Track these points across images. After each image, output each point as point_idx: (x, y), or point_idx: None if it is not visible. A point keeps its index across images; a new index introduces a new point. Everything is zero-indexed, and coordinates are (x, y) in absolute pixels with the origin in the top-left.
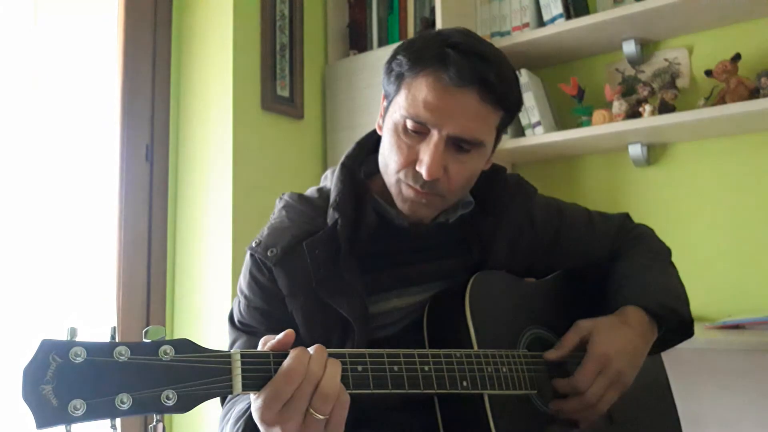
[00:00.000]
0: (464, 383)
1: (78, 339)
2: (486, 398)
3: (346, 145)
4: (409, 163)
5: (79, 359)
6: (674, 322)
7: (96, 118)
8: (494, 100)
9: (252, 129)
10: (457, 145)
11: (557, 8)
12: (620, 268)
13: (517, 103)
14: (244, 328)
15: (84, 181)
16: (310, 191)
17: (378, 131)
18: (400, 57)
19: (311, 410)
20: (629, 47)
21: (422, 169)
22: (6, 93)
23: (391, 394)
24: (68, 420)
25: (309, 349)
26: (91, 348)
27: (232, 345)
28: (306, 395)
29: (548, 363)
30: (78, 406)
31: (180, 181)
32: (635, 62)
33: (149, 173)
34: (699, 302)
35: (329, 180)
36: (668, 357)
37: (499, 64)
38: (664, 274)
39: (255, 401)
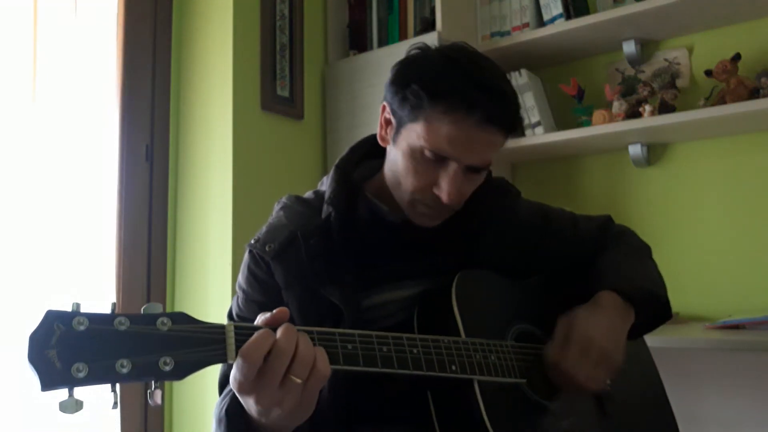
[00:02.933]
0: (453, 367)
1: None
2: (476, 384)
3: (346, 145)
4: (426, 186)
5: (82, 327)
6: (649, 303)
7: (96, 118)
8: (508, 132)
9: (252, 129)
10: (472, 170)
11: (557, 8)
12: (598, 263)
13: (519, 128)
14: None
15: (84, 181)
16: (308, 194)
17: (380, 142)
18: (416, 87)
19: (291, 376)
20: (629, 47)
21: (442, 195)
22: (5, 93)
23: (381, 373)
24: (71, 382)
25: (278, 330)
26: (93, 318)
27: None
28: (278, 369)
29: (539, 354)
30: (80, 368)
31: (180, 181)
32: (635, 62)
33: (149, 173)
34: (699, 302)
35: (325, 185)
36: (669, 357)
37: (515, 100)
38: (639, 262)
39: (231, 375)
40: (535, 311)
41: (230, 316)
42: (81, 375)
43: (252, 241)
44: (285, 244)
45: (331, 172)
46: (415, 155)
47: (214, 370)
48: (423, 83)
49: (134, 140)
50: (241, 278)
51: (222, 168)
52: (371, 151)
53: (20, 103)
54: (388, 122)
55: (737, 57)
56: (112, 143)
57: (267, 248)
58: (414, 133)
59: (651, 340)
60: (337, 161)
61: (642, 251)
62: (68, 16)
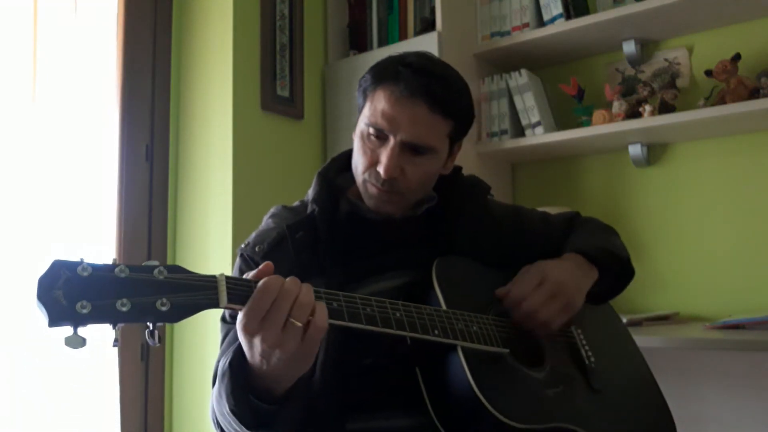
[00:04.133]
0: (435, 332)
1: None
2: (460, 350)
3: (345, 145)
4: (372, 164)
5: (86, 273)
6: (611, 263)
7: (96, 118)
8: (441, 110)
9: (252, 129)
10: (412, 149)
11: (557, 8)
12: (567, 241)
13: (467, 114)
14: (234, 321)
15: (84, 181)
16: (294, 203)
17: (354, 140)
18: (366, 75)
19: (291, 319)
20: (629, 47)
21: (381, 169)
22: (6, 93)
23: (365, 330)
24: (76, 318)
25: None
26: (96, 266)
27: (223, 339)
28: (283, 308)
29: (515, 324)
30: (84, 305)
31: (180, 181)
32: (635, 62)
33: (149, 173)
34: (699, 302)
35: (310, 195)
36: (669, 357)
37: (446, 79)
38: (600, 235)
39: (239, 317)
40: None
41: (222, 317)
42: (85, 311)
43: (243, 246)
44: (273, 245)
45: (314, 179)
46: (363, 137)
47: (213, 358)
48: (371, 70)
49: (134, 140)
50: None
51: (222, 168)
52: (349, 163)
53: (20, 103)
54: (357, 119)
55: (737, 57)
56: (112, 143)
57: (257, 249)
58: (363, 116)
59: (651, 340)
60: (319, 170)
61: (606, 230)
62: (68, 16)
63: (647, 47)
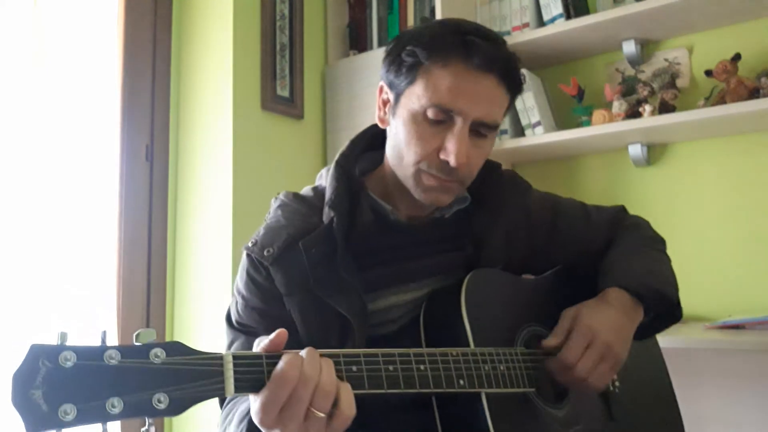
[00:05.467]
0: (461, 382)
1: (68, 343)
2: (483, 397)
3: None
4: (432, 152)
5: (69, 363)
6: (659, 303)
7: (96, 117)
8: (507, 84)
9: (252, 129)
10: (476, 131)
11: (557, 8)
12: (609, 255)
13: (520, 89)
14: (242, 329)
15: (84, 181)
16: (305, 190)
17: (380, 124)
18: (411, 48)
19: (312, 409)
20: (629, 47)
21: (450, 158)
22: (6, 93)
23: (387, 394)
24: (58, 425)
25: (301, 352)
26: (81, 352)
27: (230, 346)
28: (304, 398)
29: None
30: (68, 410)
31: (180, 181)
32: (635, 62)
33: (149, 173)
34: (699, 302)
35: (324, 179)
36: (668, 357)
37: (514, 56)
38: (651, 258)
39: (253, 405)
40: (546, 310)
41: (229, 320)
42: (69, 418)
43: (249, 244)
44: (284, 249)
45: (332, 170)
46: (417, 119)
47: None
48: (418, 42)
49: (134, 140)
50: (240, 283)
51: (222, 168)
52: (372, 143)
53: (20, 103)
54: (386, 102)
55: (737, 57)
56: (112, 143)
57: (266, 252)
58: (414, 96)
59: None
60: (337, 157)
61: (655, 243)
62: (68, 16)
63: (647, 47)
